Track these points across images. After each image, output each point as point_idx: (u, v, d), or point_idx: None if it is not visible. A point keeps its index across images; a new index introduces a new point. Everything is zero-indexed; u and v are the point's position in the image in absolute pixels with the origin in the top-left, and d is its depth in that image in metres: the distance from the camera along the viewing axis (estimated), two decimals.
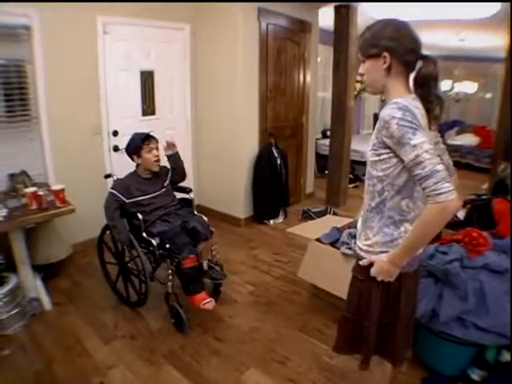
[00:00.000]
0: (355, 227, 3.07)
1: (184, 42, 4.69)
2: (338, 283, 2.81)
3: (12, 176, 3.51)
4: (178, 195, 3.45)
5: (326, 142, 6.74)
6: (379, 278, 1.63)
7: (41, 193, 3.02)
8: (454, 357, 2.40)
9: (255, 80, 4.71)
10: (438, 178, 1.33)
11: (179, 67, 4.71)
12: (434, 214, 1.37)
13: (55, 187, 3.14)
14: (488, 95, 9.39)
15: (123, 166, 3.96)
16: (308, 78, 5.58)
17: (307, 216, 5.14)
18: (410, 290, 1.74)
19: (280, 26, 4.89)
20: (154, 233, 3.01)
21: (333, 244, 3.00)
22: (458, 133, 9.68)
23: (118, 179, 3.24)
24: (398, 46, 1.51)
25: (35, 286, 3.26)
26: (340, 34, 5.21)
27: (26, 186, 3.27)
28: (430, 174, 1.34)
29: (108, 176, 3.47)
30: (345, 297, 2.69)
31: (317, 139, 7.08)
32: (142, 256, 2.98)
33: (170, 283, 2.90)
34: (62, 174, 3.89)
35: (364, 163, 5.88)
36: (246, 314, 3.17)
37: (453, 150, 8.99)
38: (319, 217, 4.99)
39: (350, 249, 2.77)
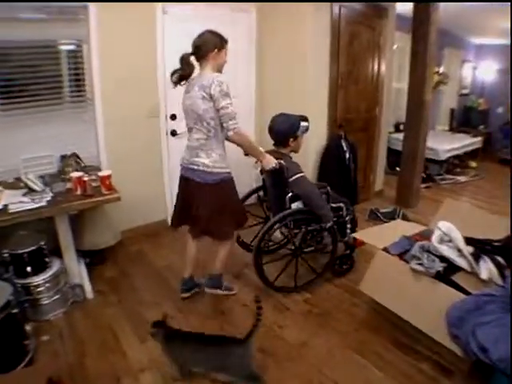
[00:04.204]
0: (428, 237, 2.69)
1: (250, 24, 4.38)
2: (404, 303, 2.44)
3: (63, 158, 3.40)
4: None
5: (399, 136, 6.24)
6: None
7: (86, 178, 2.86)
8: None
9: (326, 67, 4.32)
10: None
11: (244, 51, 4.40)
12: None
13: (101, 173, 2.97)
14: None
15: (180, 150, 3.76)
16: (383, 67, 5.11)
17: (375, 217, 4.73)
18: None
19: (354, 10, 4.47)
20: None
21: (401, 255, 2.61)
22: None
23: (290, 159, 3.12)
24: None
25: (79, 273, 3.17)
26: (420, 21, 4.67)
27: (77, 170, 3.15)
28: None
29: None
30: (410, 319, 2.34)
31: (389, 133, 6.57)
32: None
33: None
34: (115, 157, 3.77)
35: (439, 162, 5.39)
36: (296, 325, 2.85)
37: None
38: (387, 218, 4.56)
39: (421, 264, 2.38)
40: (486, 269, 2.32)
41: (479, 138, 8.31)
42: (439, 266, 2.35)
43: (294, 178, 2.98)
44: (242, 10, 4.33)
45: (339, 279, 3.42)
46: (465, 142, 7.76)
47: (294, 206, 3.10)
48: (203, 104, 2.57)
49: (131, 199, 3.71)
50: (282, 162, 2.90)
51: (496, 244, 2.49)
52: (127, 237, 3.96)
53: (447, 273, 2.37)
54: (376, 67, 5.03)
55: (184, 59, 2.66)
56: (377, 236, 2.93)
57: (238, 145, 2.71)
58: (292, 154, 3.18)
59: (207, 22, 4.03)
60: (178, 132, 4.11)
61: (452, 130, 9.14)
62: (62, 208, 2.76)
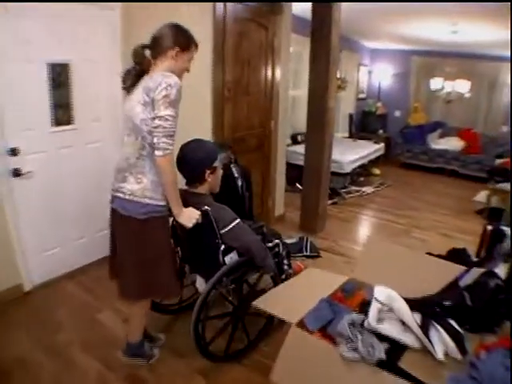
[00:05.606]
0: (352, 294, 2.03)
1: (113, 24, 3.45)
2: None
3: None
4: None
5: (297, 148, 5.93)
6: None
7: None
8: None
9: (207, 74, 3.61)
10: None
11: (107, 59, 3.47)
12: None
13: None
14: (472, 95, 8.54)
15: (29, 196, 2.83)
16: (278, 73, 4.50)
17: None
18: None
19: (243, 4, 3.81)
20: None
21: (323, 330, 1.89)
22: (441, 136, 8.86)
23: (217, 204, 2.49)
24: None
25: None
26: (321, 21, 4.14)
27: None
28: None
29: None
30: None
31: (286, 145, 5.99)
32: None
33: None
34: None
35: (343, 174, 5.00)
36: None
37: (436, 154, 8.35)
38: (293, 252, 3.85)
39: (355, 350, 1.68)
40: (441, 342, 1.68)
41: (382, 145, 8.21)
42: (381, 352, 1.66)
43: (227, 228, 2.36)
44: (103, 7, 3.39)
45: (253, 357, 2.62)
46: (369, 150, 7.51)
47: (228, 258, 2.44)
48: (143, 112, 2.02)
49: None
50: (207, 209, 2.28)
51: (447, 304, 1.86)
52: None
53: (392, 355, 1.70)
54: (270, 73, 4.41)
55: (136, 53, 2.17)
56: (284, 301, 2.17)
57: (161, 174, 2.07)
58: None
59: (55, 22, 3.12)
60: (24, 171, 3.05)
61: (351, 136, 8.92)
62: None
